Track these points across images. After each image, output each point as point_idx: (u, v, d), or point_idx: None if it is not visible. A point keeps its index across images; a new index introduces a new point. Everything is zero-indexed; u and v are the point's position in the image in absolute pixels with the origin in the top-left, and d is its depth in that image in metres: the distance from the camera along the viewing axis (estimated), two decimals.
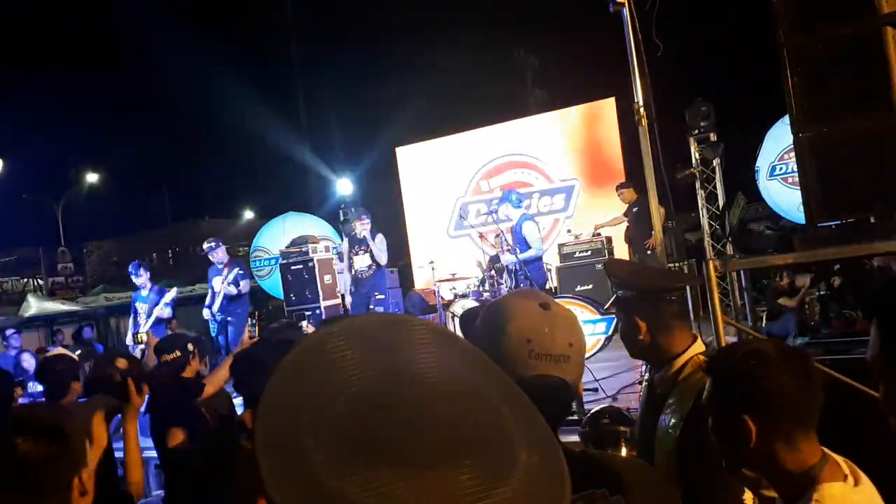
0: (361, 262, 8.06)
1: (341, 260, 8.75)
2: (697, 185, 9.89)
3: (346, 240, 8.38)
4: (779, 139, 10.42)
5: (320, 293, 8.93)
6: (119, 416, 2.84)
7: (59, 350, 4.42)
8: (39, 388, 4.21)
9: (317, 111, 15.89)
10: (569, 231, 10.44)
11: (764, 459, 1.40)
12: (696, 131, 9.73)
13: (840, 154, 3.52)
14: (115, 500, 2.32)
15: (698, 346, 1.88)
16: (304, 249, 9.18)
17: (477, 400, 0.57)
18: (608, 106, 11.28)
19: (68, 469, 1.53)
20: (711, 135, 9.75)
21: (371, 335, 0.60)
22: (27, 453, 1.47)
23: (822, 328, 7.10)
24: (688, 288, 5.32)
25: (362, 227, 8.04)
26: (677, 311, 1.89)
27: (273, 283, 11.57)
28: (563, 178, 11.48)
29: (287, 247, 9.56)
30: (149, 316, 7.55)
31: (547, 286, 8.31)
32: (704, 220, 9.62)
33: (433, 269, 9.46)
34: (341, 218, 12.70)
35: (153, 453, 4.02)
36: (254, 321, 4.05)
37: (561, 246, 9.72)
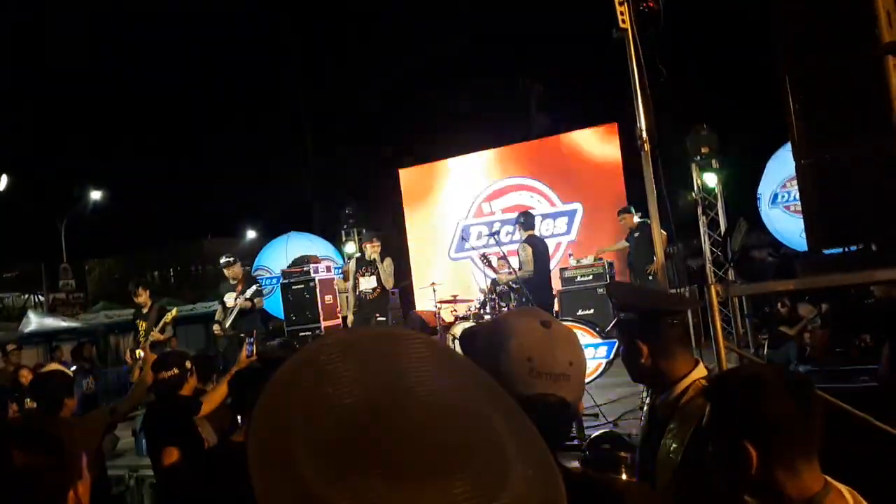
0: (367, 283, 8.10)
1: (345, 279, 8.75)
2: (699, 211, 9.91)
3: (353, 260, 8.42)
4: (781, 167, 10.46)
5: (321, 313, 8.90)
6: (111, 434, 2.83)
7: (54, 366, 4.40)
8: (35, 404, 4.19)
9: (320, 131, 15.96)
10: (570, 255, 10.44)
11: (765, 486, 1.38)
12: (698, 158, 9.78)
13: (842, 181, 3.53)
14: None
15: (700, 371, 1.87)
16: (305, 269, 9.17)
17: (471, 414, 0.56)
18: (611, 131, 11.33)
19: (64, 481, 1.52)
20: (713, 161, 9.80)
21: (366, 348, 0.59)
22: (23, 465, 1.46)
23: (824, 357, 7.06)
24: (689, 313, 5.30)
25: (373, 250, 8.11)
26: (679, 335, 1.88)
27: (274, 303, 11.56)
28: (566, 201, 11.50)
29: (288, 266, 9.55)
30: (150, 333, 7.53)
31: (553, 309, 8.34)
32: (706, 246, 9.63)
33: (434, 290, 9.45)
34: (343, 238, 12.72)
35: (150, 472, 3.99)
36: (251, 339, 4.04)
37: (563, 270, 9.71)
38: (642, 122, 6.30)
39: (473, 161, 12.44)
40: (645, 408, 2.06)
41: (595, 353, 6.11)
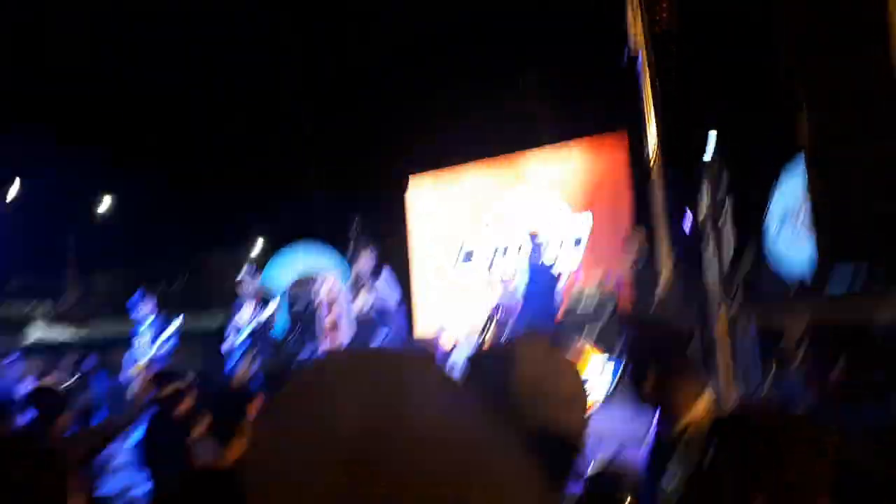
0: (360, 303, 8.03)
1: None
2: (706, 233, 9.85)
3: (351, 276, 8.40)
4: (792, 186, 10.40)
5: (323, 331, 8.88)
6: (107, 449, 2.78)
7: (49, 381, 4.36)
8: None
9: (328, 144, 16.00)
10: (579, 269, 10.38)
11: None
12: (708, 179, 9.73)
13: (854, 200, 3.49)
14: None
15: (706, 402, 1.83)
16: (309, 287, 9.17)
17: (469, 446, 0.55)
18: (619, 139, 11.08)
19: (58, 497, 1.51)
20: (722, 183, 9.75)
21: (365, 373, 0.58)
22: (18, 480, 1.45)
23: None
24: (696, 339, 5.25)
25: (364, 264, 8.03)
26: (687, 362, 1.84)
27: (277, 320, 11.54)
28: (573, 210, 11.36)
29: (293, 283, 9.54)
30: (151, 346, 7.50)
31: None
32: (714, 267, 9.55)
33: (436, 312, 9.41)
34: (351, 251, 12.69)
35: (142, 489, 3.92)
36: (249, 358, 3.98)
37: (568, 291, 9.65)
38: (652, 145, 6.29)
39: (480, 172, 12.30)
40: (649, 439, 2.01)
41: (597, 381, 6.05)
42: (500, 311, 8.04)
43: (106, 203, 23.13)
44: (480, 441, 0.56)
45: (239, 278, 8.34)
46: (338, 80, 14.77)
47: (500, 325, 7.95)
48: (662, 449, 1.83)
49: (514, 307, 7.69)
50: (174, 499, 1.78)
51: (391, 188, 13.35)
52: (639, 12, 5.99)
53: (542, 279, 7.61)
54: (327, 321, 8.96)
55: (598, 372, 6.12)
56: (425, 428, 0.53)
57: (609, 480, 2.16)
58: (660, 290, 7.91)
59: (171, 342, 7.58)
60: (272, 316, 8.02)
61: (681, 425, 1.78)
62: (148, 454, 3.59)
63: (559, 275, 7.78)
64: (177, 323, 7.66)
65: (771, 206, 11.14)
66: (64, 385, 9.22)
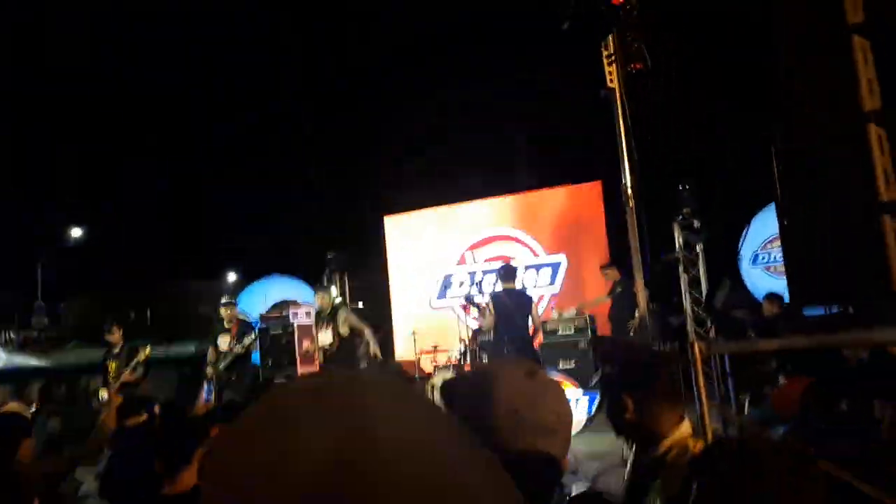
0: (324, 337, 7.95)
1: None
2: (681, 269, 9.96)
3: (313, 314, 8.30)
4: (763, 227, 10.59)
5: (298, 359, 8.75)
6: (72, 477, 2.70)
7: (13, 406, 4.23)
8: None
9: (304, 176, 16.00)
10: (553, 308, 10.42)
11: None
12: (681, 217, 9.88)
13: (824, 242, 3.56)
14: None
15: (686, 428, 1.83)
16: (284, 314, 9.05)
17: (443, 467, 0.52)
18: (595, 188, 11.48)
19: None
20: (695, 221, 9.90)
21: (330, 398, 0.55)
22: None
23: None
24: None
25: (323, 302, 7.98)
26: (666, 391, 1.84)
27: (255, 348, 11.38)
28: (550, 253, 11.54)
29: (268, 311, 9.43)
30: (118, 376, 7.31)
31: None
32: (687, 304, 9.64)
33: (415, 339, 9.35)
34: (325, 283, 12.63)
35: None
36: (211, 386, 3.83)
37: (545, 323, 9.67)
38: (627, 179, 6.38)
39: (459, 211, 12.50)
40: (629, 464, 1.99)
41: (576, 407, 6.03)
42: (476, 338, 8.02)
43: (77, 230, 22.79)
44: (458, 466, 0.53)
45: (222, 302, 8.22)
46: (327, 108, 14.85)
47: (478, 352, 7.93)
48: (643, 474, 1.82)
49: (490, 334, 7.67)
50: None
51: (371, 222, 13.39)
52: (614, 55, 6.11)
53: (514, 307, 7.60)
54: (302, 350, 8.84)
55: (574, 401, 6.10)
56: (397, 456, 0.50)
57: (590, 502, 2.14)
58: (634, 322, 7.96)
59: (140, 370, 7.39)
60: (250, 344, 7.90)
61: (660, 451, 1.78)
62: (111, 484, 3.48)
63: (530, 302, 7.78)
64: (147, 350, 7.46)
65: (742, 247, 11.32)
66: (30, 411, 8.96)
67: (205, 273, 23.31)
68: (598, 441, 5.96)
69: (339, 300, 8.26)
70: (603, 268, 9.34)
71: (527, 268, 11.57)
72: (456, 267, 12.14)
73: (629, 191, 6.50)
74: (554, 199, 11.90)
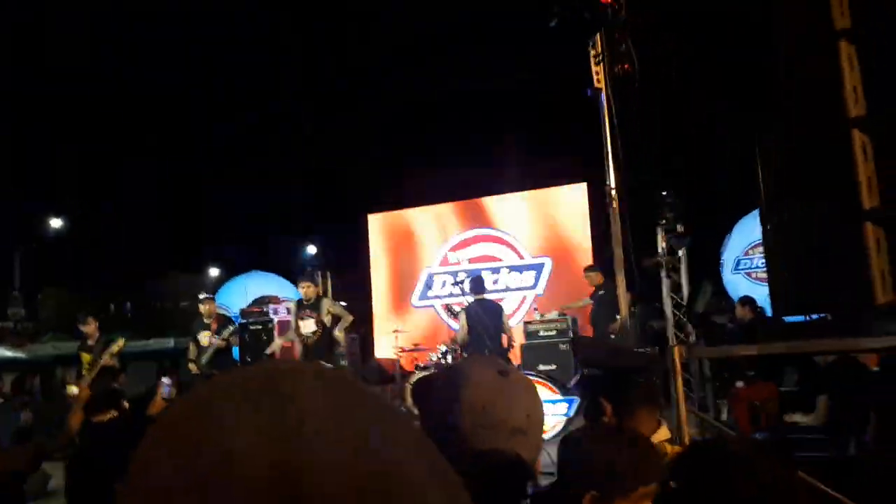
0: (306, 327, 7.80)
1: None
2: (663, 273, 9.98)
3: (293, 303, 8.15)
4: (746, 233, 10.64)
5: (277, 355, 8.68)
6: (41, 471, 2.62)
7: None
8: None
9: (287, 172, 15.92)
10: (535, 309, 10.40)
11: None
12: (664, 221, 9.90)
13: (807, 249, 3.55)
14: None
15: (663, 433, 1.80)
16: (264, 310, 8.99)
17: (385, 464, 0.46)
18: (580, 191, 11.46)
19: None
20: (678, 226, 9.92)
21: (260, 390, 0.48)
22: None
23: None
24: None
25: (306, 291, 7.85)
26: (644, 395, 1.81)
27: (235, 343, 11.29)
28: (534, 255, 11.53)
29: (248, 306, 9.35)
30: (92, 368, 7.17)
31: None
32: (668, 309, 9.66)
33: (396, 337, 9.30)
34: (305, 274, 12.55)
35: None
36: (170, 381, 3.65)
37: (527, 324, 9.65)
38: (612, 180, 6.36)
39: (442, 211, 12.46)
40: None
41: (555, 409, 6.00)
42: (454, 340, 7.98)
43: (55, 222, 22.50)
44: (402, 463, 0.48)
45: (201, 297, 8.14)
46: (316, 110, 14.80)
47: (459, 350, 7.89)
48: None
49: (466, 334, 7.64)
50: None
51: (354, 221, 13.33)
52: (601, 55, 6.09)
53: (487, 317, 7.62)
54: (278, 345, 8.77)
55: (553, 401, 6.08)
56: (337, 457, 0.45)
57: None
58: (616, 326, 7.95)
59: (115, 361, 7.25)
60: (230, 336, 7.82)
61: None
62: (75, 481, 3.37)
63: (502, 312, 7.83)
64: (121, 342, 7.29)
65: (725, 253, 11.39)
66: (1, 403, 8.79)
67: (186, 267, 23.10)
68: None
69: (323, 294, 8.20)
70: (587, 270, 9.33)
71: (511, 269, 11.56)
72: (438, 267, 12.10)
73: (613, 192, 6.49)
74: (539, 201, 11.88)
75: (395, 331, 9.45)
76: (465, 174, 12.49)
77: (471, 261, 11.75)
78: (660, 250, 10.00)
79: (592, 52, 5.84)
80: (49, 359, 16.07)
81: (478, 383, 1.09)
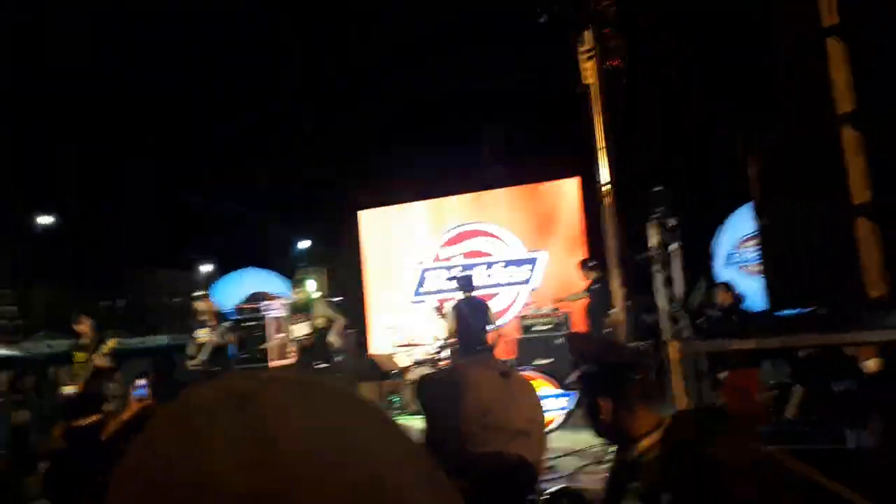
0: (299, 330, 7.83)
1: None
2: (655, 268, 9.99)
3: (286, 306, 8.20)
4: (738, 226, 10.67)
5: (271, 352, 8.69)
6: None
7: None
8: None
9: (279, 167, 15.86)
10: (530, 304, 10.43)
11: None
12: (656, 215, 9.91)
13: (801, 244, 3.58)
14: None
15: (664, 425, 1.81)
16: (258, 307, 8.98)
17: (373, 485, 0.45)
18: (572, 185, 11.47)
19: None
20: (670, 220, 9.93)
21: (248, 409, 0.47)
22: None
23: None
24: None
25: (298, 295, 7.88)
26: (642, 391, 1.82)
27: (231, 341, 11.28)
28: (527, 249, 11.53)
29: (242, 303, 9.34)
30: (86, 366, 7.15)
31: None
32: (662, 303, 9.69)
33: (391, 334, 9.31)
34: (298, 277, 12.54)
35: None
36: (145, 382, 3.52)
37: (522, 318, 9.67)
38: (604, 176, 6.38)
39: (435, 206, 12.44)
40: (611, 464, 1.97)
41: (554, 403, 6.03)
42: (450, 335, 8.00)
43: (47, 218, 22.38)
44: (392, 470, 0.47)
45: (194, 295, 8.13)
46: (306, 107, 14.73)
47: (450, 349, 7.91)
48: (621, 476, 1.81)
49: (461, 331, 7.67)
50: None
51: (346, 218, 13.29)
52: (592, 50, 6.10)
53: (473, 315, 7.66)
54: (274, 344, 8.77)
55: (552, 396, 6.10)
56: (320, 470, 0.44)
57: (568, 498, 2.11)
58: (610, 319, 7.98)
59: (107, 361, 7.21)
60: (226, 332, 7.82)
61: (636, 453, 1.76)
62: (55, 485, 3.29)
63: (488, 310, 7.87)
64: (113, 341, 7.25)
65: (717, 246, 11.42)
66: None
67: (178, 264, 23.02)
68: (575, 438, 5.96)
69: (317, 294, 8.18)
70: (583, 263, 9.36)
71: (506, 264, 11.57)
72: (432, 262, 12.10)
73: (605, 187, 6.51)
74: (532, 196, 11.88)
75: (390, 326, 9.46)
76: (457, 170, 12.46)
77: (465, 256, 11.76)
78: (653, 244, 10.03)
79: (581, 49, 5.85)
80: (43, 356, 15.99)
81: (479, 386, 1.10)
